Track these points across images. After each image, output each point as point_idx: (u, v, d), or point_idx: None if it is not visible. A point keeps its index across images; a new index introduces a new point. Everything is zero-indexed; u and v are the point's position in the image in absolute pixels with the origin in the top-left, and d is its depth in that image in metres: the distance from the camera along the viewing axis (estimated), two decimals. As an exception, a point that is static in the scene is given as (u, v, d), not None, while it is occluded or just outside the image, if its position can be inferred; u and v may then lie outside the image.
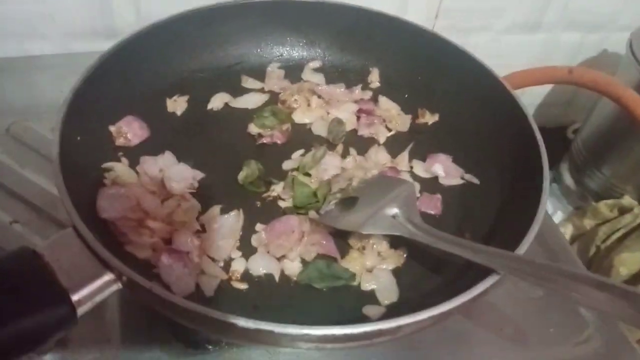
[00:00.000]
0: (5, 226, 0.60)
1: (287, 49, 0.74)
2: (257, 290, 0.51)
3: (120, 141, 0.59)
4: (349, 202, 0.57)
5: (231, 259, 0.52)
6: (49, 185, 0.64)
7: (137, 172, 0.57)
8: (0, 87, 0.76)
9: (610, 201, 0.98)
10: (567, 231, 1.02)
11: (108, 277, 0.41)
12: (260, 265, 0.52)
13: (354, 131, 0.67)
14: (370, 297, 0.51)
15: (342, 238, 0.55)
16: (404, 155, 0.64)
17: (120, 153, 0.59)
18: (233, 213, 0.55)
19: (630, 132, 0.95)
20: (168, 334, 0.53)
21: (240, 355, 0.53)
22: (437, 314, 0.42)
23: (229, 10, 0.70)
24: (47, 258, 0.41)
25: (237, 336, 0.44)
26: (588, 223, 1.00)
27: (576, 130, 1.17)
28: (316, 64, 0.74)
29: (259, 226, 0.55)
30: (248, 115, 0.67)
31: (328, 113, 0.68)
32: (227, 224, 0.54)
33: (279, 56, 0.74)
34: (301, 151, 0.63)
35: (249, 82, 0.71)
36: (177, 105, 0.65)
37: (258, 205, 0.57)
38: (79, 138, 0.54)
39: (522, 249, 0.46)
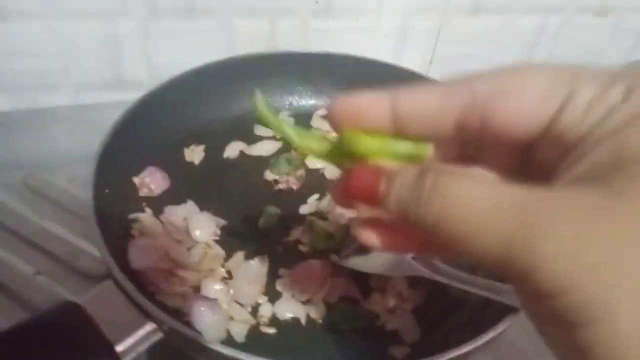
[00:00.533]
0: (29, 278, 0.60)
1: (296, 97, 0.78)
2: (285, 334, 0.52)
3: (144, 192, 0.61)
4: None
5: (258, 304, 0.54)
6: (69, 236, 0.65)
7: (161, 222, 0.59)
8: (14, 139, 0.78)
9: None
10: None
11: (150, 327, 0.43)
12: (286, 310, 0.54)
13: (365, 175, 0.70)
14: (394, 337, 0.53)
15: (363, 280, 0.57)
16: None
17: (144, 203, 0.61)
18: (258, 259, 0.57)
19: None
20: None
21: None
22: (459, 354, 0.44)
23: (241, 63, 0.74)
24: (89, 310, 0.42)
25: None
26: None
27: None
28: (324, 111, 0.78)
29: (282, 271, 0.57)
30: (263, 162, 0.70)
31: (339, 158, 0.71)
32: (252, 270, 0.56)
33: (288, 104, 0.78)
34: (316, 195, 0.66)
35: (261, 130, 0.74)
36: (195, 154, 0.68)
37: (280, 250, 0.59)
38: (107, 191, 0.55)
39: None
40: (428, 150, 0.28)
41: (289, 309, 0.54)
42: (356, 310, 0.54)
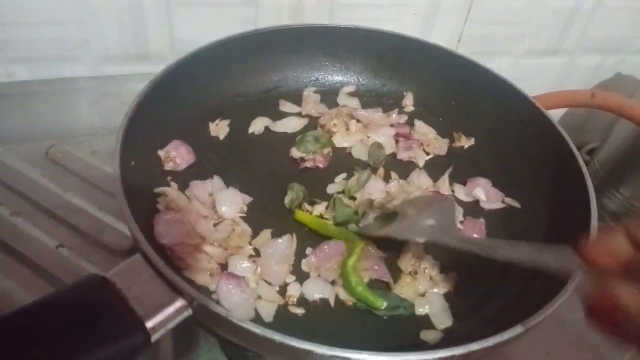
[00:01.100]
0: (51, 251, 0.59)
1: (322, 73, 0.76)
2: (313, 315, 0.51)
3: (169, 165, 0.60)
4: (389, 216, 0.58)
5: (286, 284, 0.53)
6: (92, 209, 0.64)
7: (186, 197, 0.57)
8: (35, 110, 0.76)
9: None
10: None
11: (180, 303, 0.42)
12: (314, 290, 0.52)
13: (393, 155, 0.68)
14: (426, 322, 0.52)
15: (393, 263, 0.56)
16: (445, 179, 0.65)
17: (169, 177, 0.59)
18: (286, 237, 0.55)
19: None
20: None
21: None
22: (495, 343, 0.42)
23: (266, 36, 0.71)
24: (118, 285, 0.41)
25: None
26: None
27: (590, 152, 1.19)
28: (351, 88, 0.75)
29: (308, 250, 0.56)
30: (288, 138, 0.68)
31: (367, 137, 0.69)
32: (281, 248, 0.54)
33: (314, 80, 0.75)
34: (343, 175, 0.64)
35: (287, 106, 0.72)
36: (220, 129, 0.66)
37: (306, 229, 0.58)
38: (133, 163, 0.54)
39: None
40: None
41: (318, 289, 0.52)
42: (387, 294, 0.53)
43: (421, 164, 0.67)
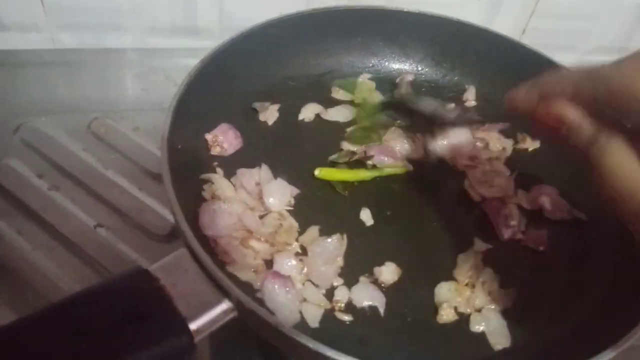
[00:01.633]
0: (89, 230, 0.57)
1: (379, 59, 0.71)
2: (362, 323, 0.47)
3: (216, 150, 0.56)
4: None
5: (334, 287, 0.49)
6: (134, 190, 0.62)
7: (233, 185, 0.54)
8: (79, 80, 0.74)
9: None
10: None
11: (226, 305, 0.39)
12: (364, 297, 0.49)
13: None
14: (481, 340, 0.48)
15: (448, 271, 0.52)
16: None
17: (215, 163, 0.56)
18: (335, 236, 0.51)
19: None
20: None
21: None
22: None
23: (321, 17, 0.67)
24: (162, 281, 0.39)
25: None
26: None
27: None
28: (409, 77, 0.70)
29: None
30: (340, 128, 0.64)
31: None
32: (328, 248, 0.51)
33: (370, 66, 0.71)
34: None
35: (339, 94, 0.68)
36: (269, 114, 0.63)
37: (358, 228, 0.54)
38: (179, 147, 0.51)
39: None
40: None
41: (367, 295, 0.49)
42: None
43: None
